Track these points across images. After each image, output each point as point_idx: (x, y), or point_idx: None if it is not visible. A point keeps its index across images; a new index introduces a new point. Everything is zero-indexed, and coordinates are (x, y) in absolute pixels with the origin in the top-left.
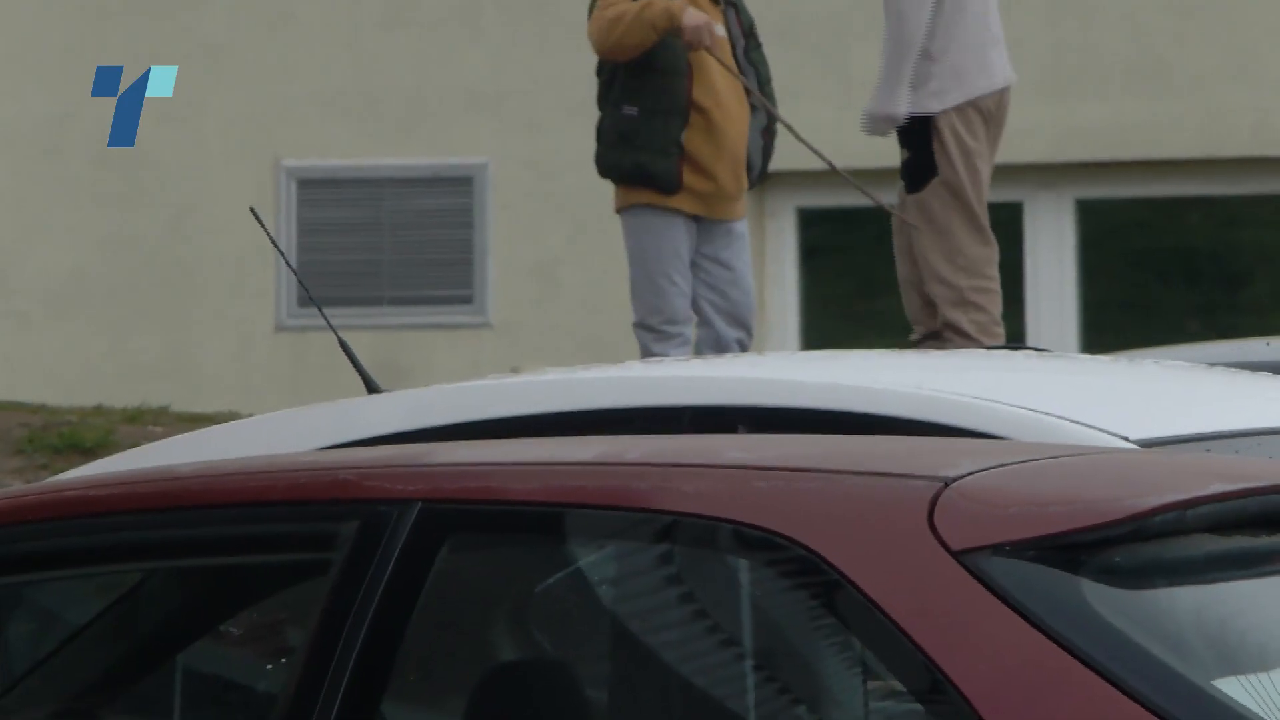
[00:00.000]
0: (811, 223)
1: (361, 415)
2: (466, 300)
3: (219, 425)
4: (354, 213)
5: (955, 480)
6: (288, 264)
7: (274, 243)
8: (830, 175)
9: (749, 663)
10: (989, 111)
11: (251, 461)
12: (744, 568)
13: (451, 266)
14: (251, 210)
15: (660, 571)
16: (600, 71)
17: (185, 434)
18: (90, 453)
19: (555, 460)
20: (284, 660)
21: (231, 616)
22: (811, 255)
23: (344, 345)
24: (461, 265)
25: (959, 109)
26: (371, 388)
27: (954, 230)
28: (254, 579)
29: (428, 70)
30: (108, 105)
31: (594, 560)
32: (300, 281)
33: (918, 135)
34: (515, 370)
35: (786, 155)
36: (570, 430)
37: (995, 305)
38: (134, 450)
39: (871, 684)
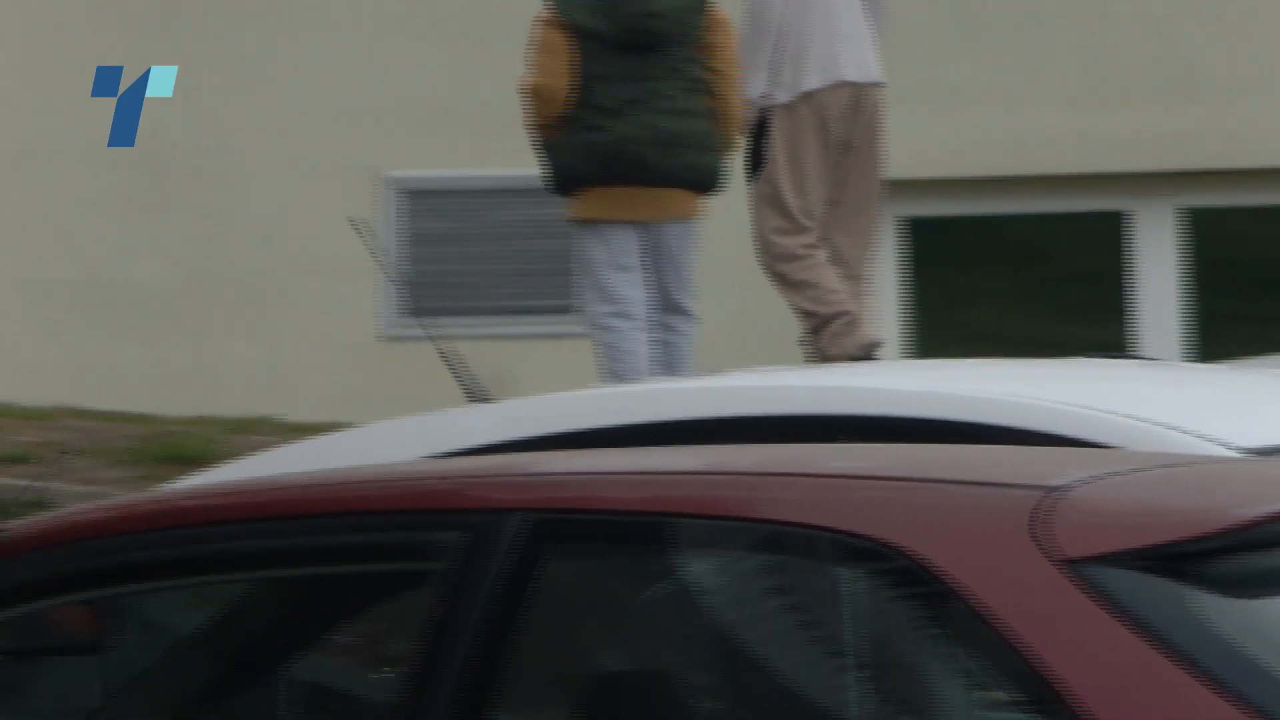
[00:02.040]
0: (914, 232)
1: (464, 425)
2: (564, 310)
3: (323, 435)
4: (456, 224)
5: (1061, 489)
6: (389, 275)
7: (374, 254)
8: (933, 185)
9: (853, 673)
10: (826, 109)
11: (356, 471)
12: (848, 577)
13: (552, 277)
14: (352, 222)
15: (764, 581)
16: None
17: (290, 444)
18: (194, 463)
19: (659, 469)
20: (390, 671)
21: (337, 626)
22: (915, 265)
23: (445, 355)
24: (562, 275)
25: (790, 106)
26: (474, 397)
27: (764, 224)
28: (359, 589)
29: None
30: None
31: (698, 570)
32: (403, 292)
33: (759, 125)
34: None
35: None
36: (672, 440)
37: (822, 275)
38: (238, 460)
39: (976, 694)
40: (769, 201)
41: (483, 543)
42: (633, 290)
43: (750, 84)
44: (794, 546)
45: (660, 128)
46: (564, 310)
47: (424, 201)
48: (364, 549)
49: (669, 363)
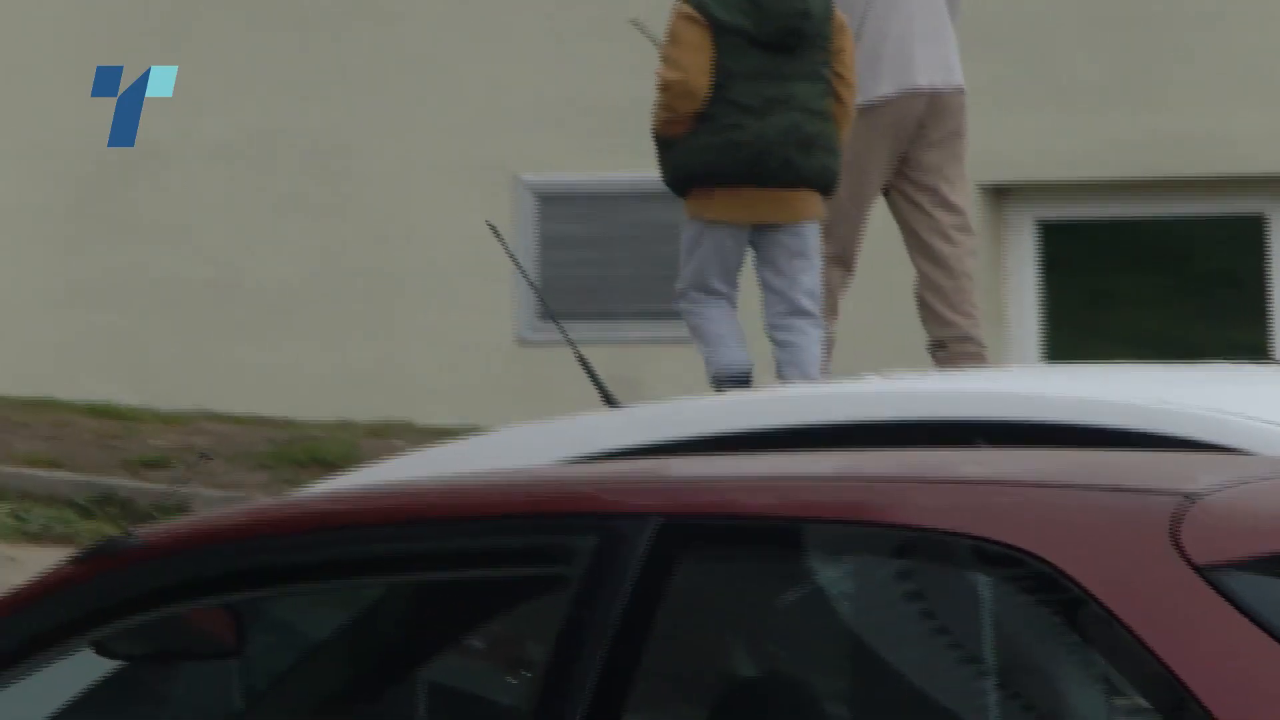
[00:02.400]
0: (1052, 235)
1: (599, 429)
2: None
3: (459, 439)
4: (591, 227)
5: (1199, 495)
6: (526, 279)
7: (513, 258)
8: (1071, 188)
9: (989, 679)
10: (901, 117)
11: (491, 475)
12: (983, 583)
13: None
14: (490, 225)
15: (899, 587)
16: None
17: (426, 448)
18: (334, 467)
19: (794, 474)
20: (523, 675)
21: (470, 630)
22: (1052, 268)
23: (582, 359)
24: None
25: (860, 111)
26: (609, 401)
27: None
28: (492, 593)
29: None
30: (334, 119)
31: (833, 575)
32: (539, 296)
33: None
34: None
35: (1024, 168)
36: (806, 445)
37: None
38: (374, 464)
39: (1114, 700)
40: (834, 203)
41: (616, 547)
42: (732, 289)
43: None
44: (929, 552)
45: (803, 129)
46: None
47: (556, 205)
48: (497, 553)
49: (794, 364)
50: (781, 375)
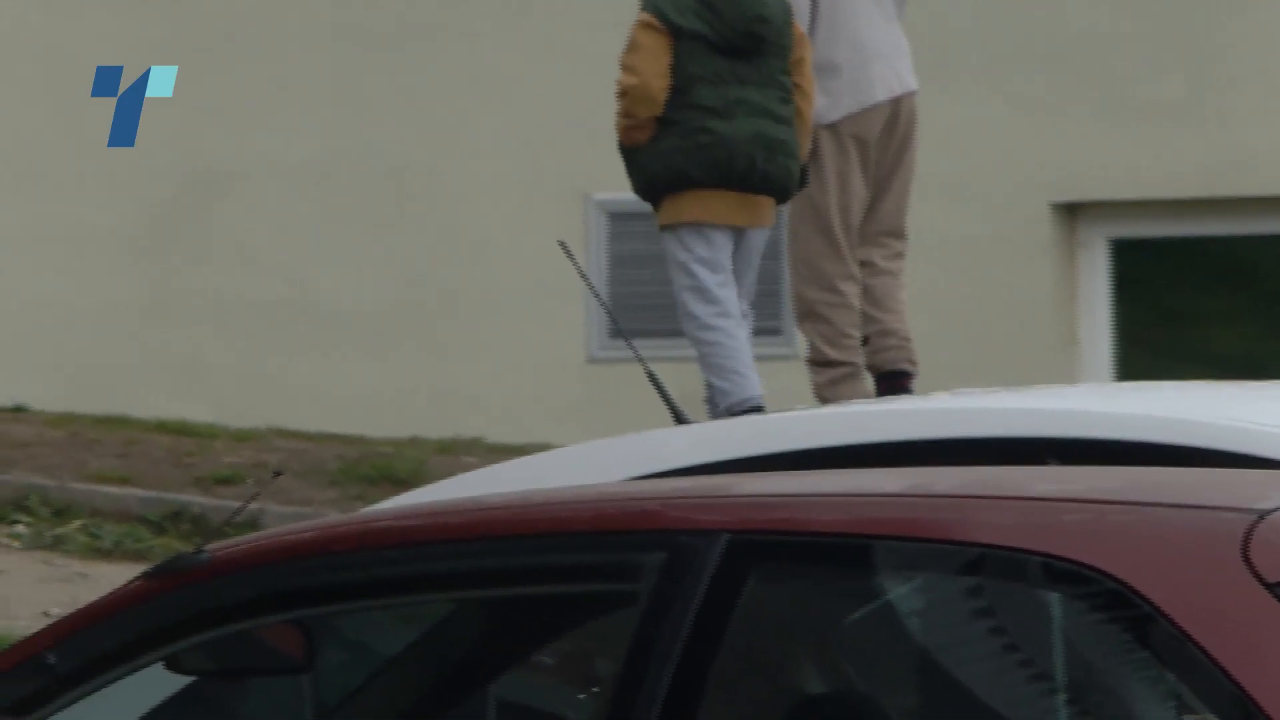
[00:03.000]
0: (1124, 253)
1: (668, 446)
2: (775, 332)
3: (528, 456)
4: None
5: (1269, 512)
6: (597, 297)
7: (584, 276)
8: (1144, 206)
9: (1059, 697)
10: (868, 131)
11: (559, 492)
12: (1053, 601)
13: (760, 298)
14: (561, 244)
15: (968, 604)
16: None
17: (495, 465)
18: (404, 484)
19: (862, 491)
20: (592, 691)
21: (539, 647)
22: (1124, 286)
23: (652, 377)
24: (770, 297)
25: (833, 128)
26: (680, 419)
27: (808, 242)
28: (561, 609)
29: None
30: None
31: (901, 592)
32: (610, 314)
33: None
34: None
35: (1096, 186)
36: (874, 462)
37: (844, 319)
38: (445, 481)
39: (1184, 717)
40: (811, 222)
41: (685, 564)
42: (730, 292)
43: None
44: (998, 569)
45: (766, 133)
46: (772, 332)
47: (627, 223)
48: (567, 570)
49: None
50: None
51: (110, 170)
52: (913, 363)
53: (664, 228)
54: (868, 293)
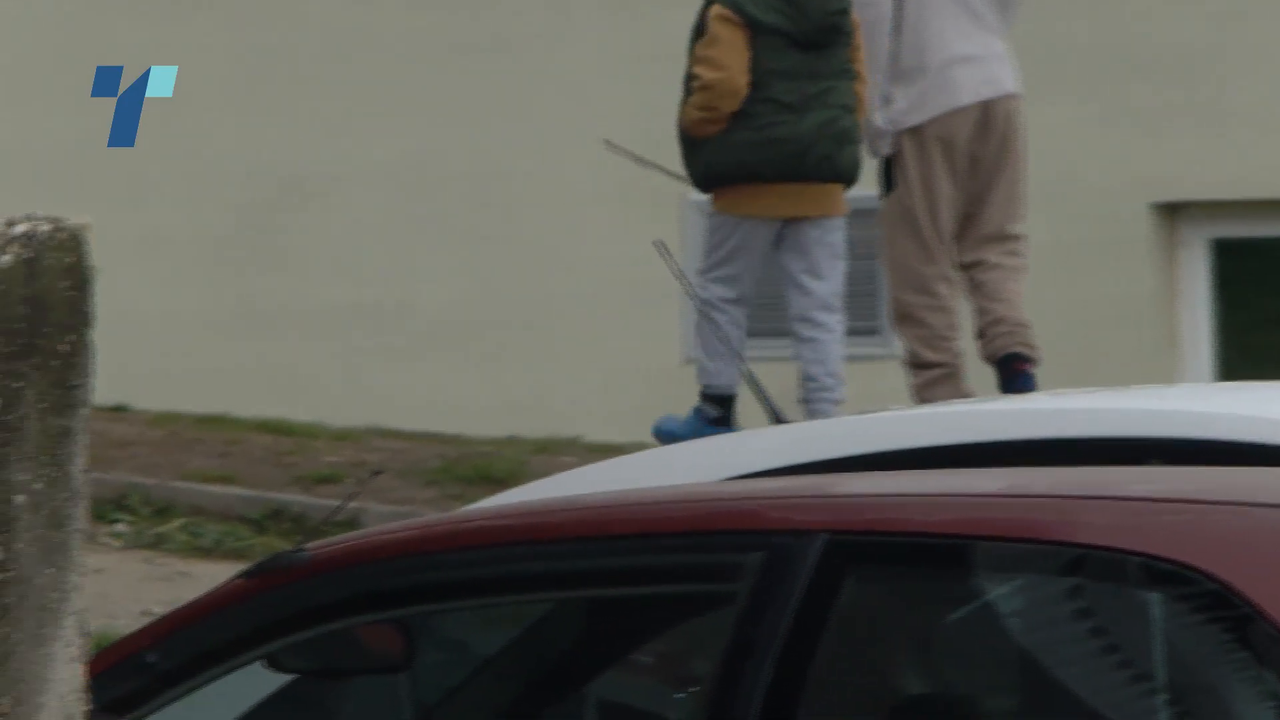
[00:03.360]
0: (1224, 254)
1: (765, 446)
2: (873, 332)
3: (625, 456)
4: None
5: None
6: (693, 298)
7: (680, 276)
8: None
9: (1158, 697)
10: (954, 133)
11: (656, 492)
12: (1154, 601)
13: (856, 298)
14: (657, 245)
15: (1068, 605)
16: None
17: (592, 464)
18: (502, 483)
19: (961, 491)
20: (690, 691)
21: (635, 647)
22: (1224, 287)
23: (750, 377)
24: (867, 298)
25: (914, 132)
26: (777, 419)
27: (900, 246)
28: (658, 609)
29: None
30: (483, 143)
31: (1001, 593)
32: (703, 314)
33: (890, 146)
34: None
35: (1196, 187)
36: (973, 463)
37: (940, 321)
38: (542, 480)
39: None
40: (902, 226)
41: (783, 564)
42: (750, 289)
43: (876, 112)
44: (1098, 570)
45: (839, 123)
46: (871, 332)
47: None
48: (663, 570)
49: (819, 361)
50: (806, 371)
51: (207, 179)
52: (1028, 345)
53: (716, 213)
54: (979, 288)
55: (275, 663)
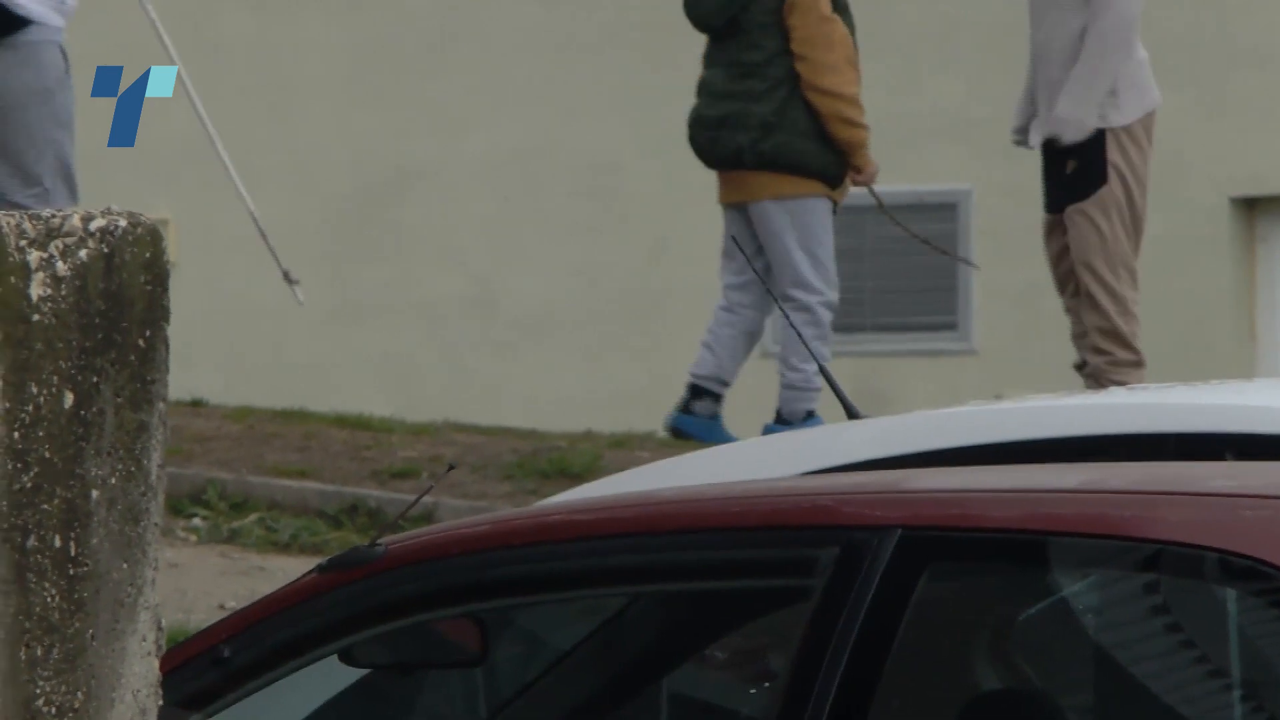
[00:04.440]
0: None
1: (840, 441)
2: (950, 327)
3: (701, 450)
4: (837, 241)
5: None
6: (771, 295)
7: (757, 273)
8: None
9: (1235, 693)
10: (1150, 130)
11: (731, 487)
12: (1231, 598)
13: (934, 293)
14: (733, 239)
15: (1145, 601)
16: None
17: (668, 459)
18: (577, 478)
19: (1037, 487)
20: (764, 686)
21: (711, 641)
22: None
23: (825, 372)
24: (944, 292)
25: (1129, 128)
26: (852, 414)
27: (1120, 241)
28: (733, 604)
29: (907, 97)
30: (588, 136)
31: (1076, 589)
32: (783, 311)
33: (1092, 145)
34: (999, 397)
35: (1277, 180)
36: (1049, 458)
37: (1135, 319)
38: (618, 475)
39: None
40: (1120, 216)
41: (859, 559)
42: (730, 274)
43: (1090, 105)
44: (1175, 566)
45: (701, 112)
46: (949, 327)
47: None
48: (738, 564)
49: (783, 357)
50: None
51: (301, 169)
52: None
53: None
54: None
55: (349, 658)
